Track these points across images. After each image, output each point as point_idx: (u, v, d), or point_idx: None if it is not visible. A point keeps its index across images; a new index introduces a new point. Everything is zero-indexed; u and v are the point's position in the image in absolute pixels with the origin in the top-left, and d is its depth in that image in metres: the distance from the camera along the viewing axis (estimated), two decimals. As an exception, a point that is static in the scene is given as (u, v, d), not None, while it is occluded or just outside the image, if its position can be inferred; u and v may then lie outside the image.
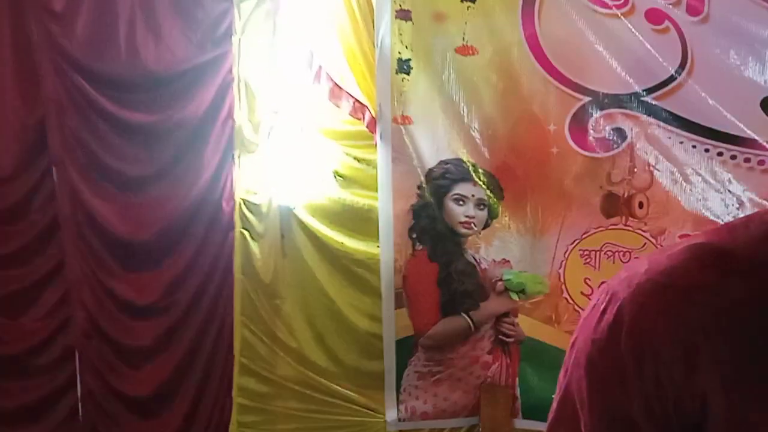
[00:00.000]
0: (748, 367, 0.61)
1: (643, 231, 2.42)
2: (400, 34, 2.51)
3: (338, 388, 2.73)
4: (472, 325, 2.57)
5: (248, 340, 2.76)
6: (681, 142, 2.36)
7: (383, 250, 2.60)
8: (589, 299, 0.72)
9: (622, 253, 2.44)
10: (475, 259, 2.58)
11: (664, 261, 0.66)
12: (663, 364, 0.63)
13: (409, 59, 2.52)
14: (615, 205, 2.44)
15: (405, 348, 2.64)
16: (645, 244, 2.41)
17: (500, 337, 2.60)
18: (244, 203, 2.74)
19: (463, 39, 2.48)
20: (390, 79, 2.52)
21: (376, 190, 2.60)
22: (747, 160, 2.31)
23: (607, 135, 2.42)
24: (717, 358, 0.62)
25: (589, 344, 0.68)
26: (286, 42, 2.70)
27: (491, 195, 2.53)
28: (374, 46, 2.53)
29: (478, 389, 2.62)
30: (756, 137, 2.27)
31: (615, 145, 2.42)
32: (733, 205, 2.33)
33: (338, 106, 2.65)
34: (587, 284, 2.47)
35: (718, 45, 2.30)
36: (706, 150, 2.34)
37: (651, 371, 0.63)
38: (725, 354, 0.62)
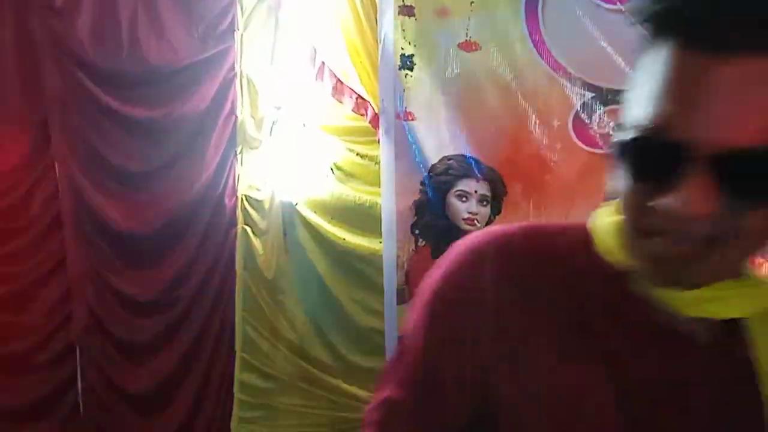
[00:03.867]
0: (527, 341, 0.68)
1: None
2: (403, 30, 2.50)
3: (340, 384, 2.72)
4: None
5: (250, 336, 2.76)
6: (685, 139, 2.35)
7: (386, 246, 2.59)
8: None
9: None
10: (478, 255, 2.57)
11: (502, 229, 0.74)
12: (466, 309, 0.70)
13: (412, 55, 2.51)
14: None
15: (407, 345, 2.63)
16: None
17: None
18: (247, 199, 2.74)
19: (467, 35, 2.47)
20: (393, 75, 2.51)
21: (379, 186, 2.60)
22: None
23: (610, 131, 2.41)
24: (513, 314, 0.69)
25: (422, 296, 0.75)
26: (289, 38, 2.70)
27: (494, 191, 2.52)
28: (377, 42, 2.52)
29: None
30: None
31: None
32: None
33: (341, 102, 2.64)
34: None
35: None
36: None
37: (451, 330, 0.71)
38: (518, 311, 0.69)
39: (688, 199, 0.56)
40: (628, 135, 0.59)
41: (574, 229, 0.74)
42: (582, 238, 0.72)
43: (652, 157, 0.58)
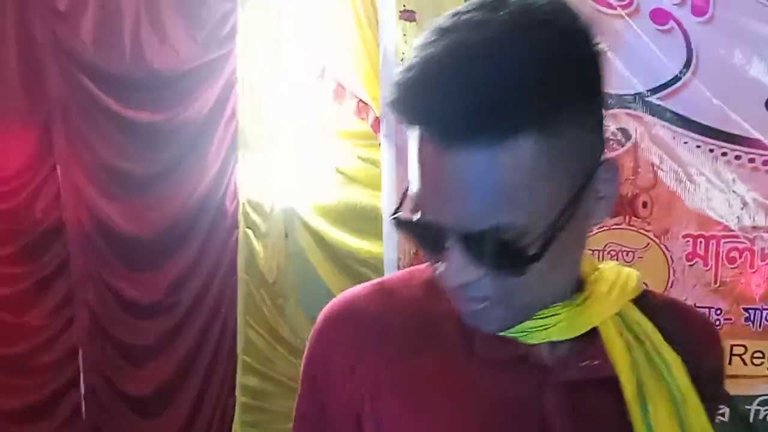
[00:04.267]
0: (393, 379, 0.73)
1: (647, 231, 2.41)
2: (404, 35, 2.50)
3: (341, 387, 2.73)
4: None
5: (251, 339, 2.76)
6: (685, 142, 2.35)
7: (387, 249, 2.59)
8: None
9: (625, 253, 2.43)
10: (478, 258, 2.57)
11: (350, 292, 0.80)
12: (331, 372, 0.76)
13: (413, 59, 2.51)
14: (618, 205, 2.43)
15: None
16: (648, 244, 2.40)
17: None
18: (248, 203, 2.75)
19: (467, 39, 2.48)
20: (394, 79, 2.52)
21: (380, 190, 2.60)
22: (751, 160, 2.30)
23: (611, 135, 2.41)
24: (369, 369, 0.74)
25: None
26: (291, 42, 2.71)
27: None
28: (378, 46, 2.53)
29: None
30: (760, 137, 2.26)
31: (619, 145, 2.41)
32: (737, 205, 2.32)
33: (342, 106, 2.65)
34: (591, 284, 2.46)
35: (723, 45, 2.29)
36: (711, 150, 2.33)
37: (328, 379, 0.77)
38: (372, 366, 0.74)
39: (449, 270, 0.63)
40: (401, 210, 0.66)
41: (424, 273, 0.78)
42: (433, 281, 0.76)
43: (419, 234, 0.65)
